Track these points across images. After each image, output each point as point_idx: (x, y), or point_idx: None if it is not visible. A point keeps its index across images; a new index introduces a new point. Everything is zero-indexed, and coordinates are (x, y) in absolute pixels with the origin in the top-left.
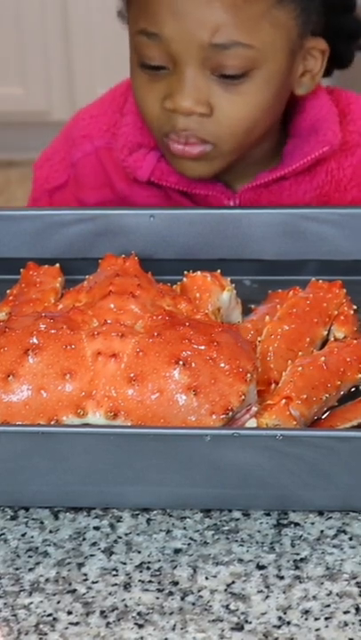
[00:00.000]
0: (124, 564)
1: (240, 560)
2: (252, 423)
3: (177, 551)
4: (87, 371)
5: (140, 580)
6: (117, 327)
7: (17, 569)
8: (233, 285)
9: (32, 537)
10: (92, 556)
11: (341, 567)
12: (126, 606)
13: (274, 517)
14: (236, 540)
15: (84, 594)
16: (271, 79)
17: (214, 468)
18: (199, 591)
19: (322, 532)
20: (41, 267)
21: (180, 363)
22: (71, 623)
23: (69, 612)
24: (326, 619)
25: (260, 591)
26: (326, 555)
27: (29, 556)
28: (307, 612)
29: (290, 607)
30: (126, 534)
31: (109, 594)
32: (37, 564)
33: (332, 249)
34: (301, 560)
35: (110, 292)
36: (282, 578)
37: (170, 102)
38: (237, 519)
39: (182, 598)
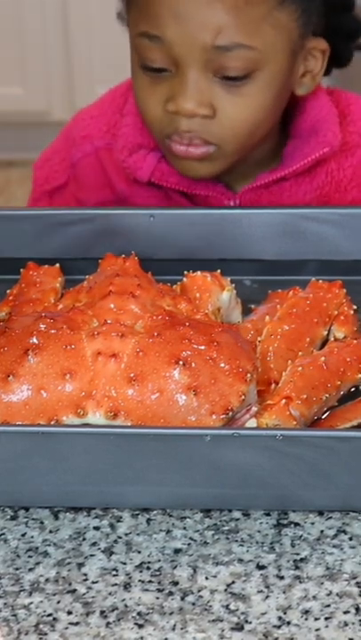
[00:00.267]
0: (124, 563)
1: (240, 560)
2: (252, 423)
3: (177, 551)
4: (87, 371)
5: (140, 580)
6: (117, 327)
7: (17, 569)
8: (233, 285)
9: (32, 537)
10: (92, 555)
11: (341, 567)
12: (126, 606)
13: (274, 517)
14: (236, 540)
15: (84, 594)
16: (273, 80)
17: (214, 468)
18: (199, 591)
19: (322, 532)
20: (41, 267)
21: (180, 363)
22: (71, 623)
23: (69, 612)
24: (326, 619)
25: (260, 591)
26: (326, 555)
27: (29, 556)
28: (307, 612)
29: (290, 607)
30: (126, 534)
31: (109, 594)
32: (37, 564)
33: (332, 249)
34: (301, 560)
35: (110, 292)
36: (282, 578)
37: (172, 105)
38: (237, 519)
39: (182, 598)
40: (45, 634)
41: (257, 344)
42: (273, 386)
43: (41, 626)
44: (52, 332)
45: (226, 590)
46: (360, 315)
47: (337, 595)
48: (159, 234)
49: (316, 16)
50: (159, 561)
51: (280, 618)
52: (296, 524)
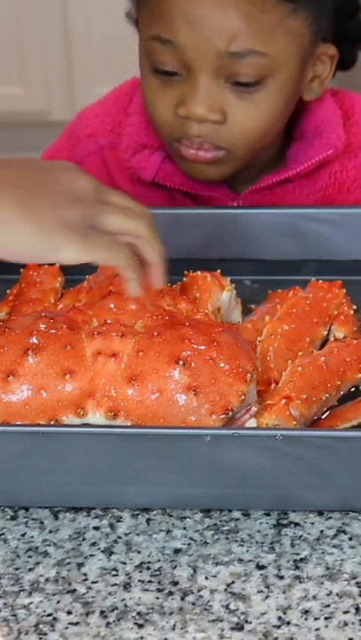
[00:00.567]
0: (124, 563)
1: (240, 560)
2: (252, 423)
3: (177, 551)
4: (87, 371)
5: (139, 580)
6: (117, 327)
7: (17, 569)
8: (233, 285)
9: (32, 537)
10: (91, 555)
11: (341, 567)
12: (126, 606)
13: (274, 517)
14: (236, 540)
15: (83, 594)
16: (284, 87)
17: (214, 468)
18: (199, 591)
19: (322, 532)
20: (41, 266)
21: (180, 363)
22: (71, 623)
23: (69, 612)
24: (326, 619)
25: (260, 591)
26: (326, 555)
27: (29, 556)
28: (307, 611)
29: (290, 607)
30: (126, 534)
31: (109, 594)
32: (37, 564)
33: (332, 249)
34: (301, 560)
35: (110, 292)
36: (282, 578)
37: (183, 109)
38: (237, 519)
39: (182, 598)
40: (45, 634)
41: (257, 344)
42: (273, 386)
43: (41, 626)
44: (52, 331)
45: (226, 590)
46: (360, 315)
47: (337, 595)
48: (159, 234)
49: (326, 23)
50: (159, 561)
51: (280, 618)
52: (296, 524)
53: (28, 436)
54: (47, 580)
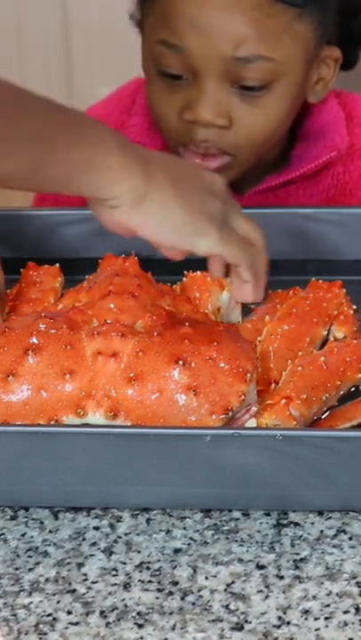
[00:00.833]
0: (124, 563)
1: (240, 560)
2: (252, 423)
3: (177, 551)
4: (87, 370)
5: (139, 580)
6: (117, 327)
7: (17, 569)
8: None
9: (32, 537)
10: (91, 555)
11: (341, 567)
12: (126, 606)
13: (274, 517)
14: (236, 540)
15: (83, 594)
16: (290, 91)
17: (214, 468)
18: (199, 591)
19: (322, 531)
20: (41, 266)
21: (180, 363)
22: (71, 623)
23: (69, 612)
24: (326, 618)
25: (260, 591)
26: (326, 555)
27: (29, 556)
28: (307, 611)
29: (290, 607)
30: (126, 534)
31: (109, 594)
32: (37, 563)
33: (332, 249)
34: (301, 560)
35: (110, 292)
36: (282, 578)
37: (189, 114)
38: (237, 519)
39: (182, 598)
40: (45, 634)
41: (257, 344)
42: (273, 386)
43: (41, 626)
44: (52, 331)
45: (226, 590)
46: (360, 315)
47: (337, 595)
48: None
49: (331, 26)
50: (159, 561)
51: (280, 618)
52: (296, 524)
53: (28, 436)
54: (47, 580)
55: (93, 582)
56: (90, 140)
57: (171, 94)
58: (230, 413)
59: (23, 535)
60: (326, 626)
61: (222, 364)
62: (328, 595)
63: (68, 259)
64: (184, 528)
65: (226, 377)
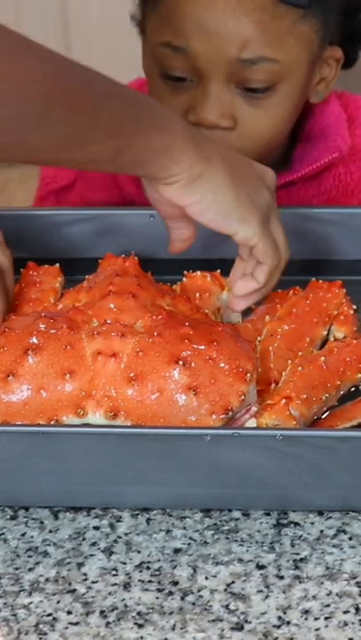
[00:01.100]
0: (124, 563)
1: (240, 560)
2: (252, 423)
3: (177, 551)
4: (87, 370)
5: (139, 580)
6: (117, 327)
7: (17, 569)
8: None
9: (32, 537)
10: (91, 555)
11: (341, 567)
12: (126, 606)
13: (274, 517)
14: (236, 540)
15: (83, 594)
16: (293, 92)
17: (214, 468)
18: (199, 591)
19: (322, 531)
20: (41, 266)
21: (180, 362)
22: (71, 623)
23: (69, 612)
24: (326, 618)
25: (260, 591)
26: (326, 554)
27: (29, 556)
28: (307, 611)
29: (290, 607)
30: (126, 534)
31: (109, 594)
32: (37, 563)
33: (333, 249)
34: (301, 560)
35: (110, 292)
36: (282, 578)
37: (194, 115)
38: (237, 519)
39: (182, 598)
40: (45, 634)
41: (257, 344)
42: (273, 386)
43: (41, 626)
44: (52, 331)
45: (226, 590)
46: (360, 315)
47: (337, 595)
48: (159, 234)
49: (334, 27)
50: (159, 561)
51: (280, 618)
52: (296, 524)
53: (28, 436)
54: (47, 579)
55: (93, 582)
56: (165, 125)
57: (174, 96)
58: (230, 413)
59: (23, 535)
60: (326, 626)
61: (222, 364)
62: (328, 595)
63: (67, 259)
64: (184, 528)
65: (226, 377)
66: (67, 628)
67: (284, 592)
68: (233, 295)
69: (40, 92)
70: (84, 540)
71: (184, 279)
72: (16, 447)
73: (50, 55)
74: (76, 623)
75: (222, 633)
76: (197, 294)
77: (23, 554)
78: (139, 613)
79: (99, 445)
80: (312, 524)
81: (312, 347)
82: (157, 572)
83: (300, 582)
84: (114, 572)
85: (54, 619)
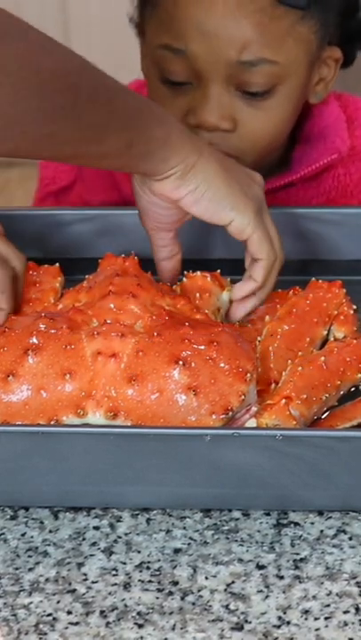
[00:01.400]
0: (124, 563)
1: (240, 560)
2: (252, 423)
3: (177, 551)
4: (87, 371)
5: (139, 580)
6: (117, 327)
7: (17, 569)
8: (233, 285)
9: (32, 537)
10: (91, 555)
11: (341, 567)
12: (126, 606)
13: (274, 517)
14: (236, 540)
15: (83, 594)
16: (293, 93)
17: (214, 468)
18: (199, 591)
19: (322, 531)
20: (40, 266)
21: (180, 363)
22: (71, 623)
23: (69, 612)
24: (326, 618)
25: (260, 591)
26: (326, 554)
27: (29, 556)
28: (307, 611)
29: (290, 607)
30: (126, 534)
31: (109, 594)
32: (37, 563)
33: (333, 249)
34: (301, 560)
35: (110, 292)
36: (282, 578)
37: (193, 118)
38: (237, 519)
39: (182, 598)
40: (45, 634)
41: (257, 344)
42: (273, 386)
43: (41, 626)
44: (52, 331)
45: (226, 590)
46: (360, 315)
47: (337, 595)
48: None
49: (332, 27)
50: (159, 561)
51: (280, 618)
52: (296, 524)
53: (28, 436)
54: (47, 579)
55: (93, 582)
56: (162, 117)
57: (174, 99)
58: (230, 413)
59: (23, 535)
60: (326, 626)
61: (222, 364)
62: (328, 595)
63: (67, 259)
64: (184, 528)
65: (226, 377)
66: (67, 627)
67: (284, 592)
68: (233, 301)
69: (69, 84)
70: (84, 539)
71: (184, 279)
72: (16, 447)
73: (68, 49)
74: (76, 623)
75: (222, 633)
76: (197, 294)
77: (23, 554)
78: (139, 613)
79: (99, 445)
80: (312, 524)
81: (312, 347)
82: (157, 572)
83: (300, 582)
84: (114, 572)
85: (54, 619)
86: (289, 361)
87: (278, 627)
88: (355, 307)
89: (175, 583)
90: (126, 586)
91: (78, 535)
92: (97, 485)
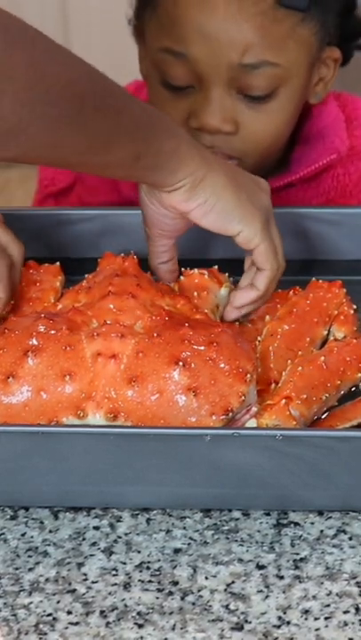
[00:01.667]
0: (124, 563)
1: (240, 560)
2: (252, 423)
3: (177, 551)
4: (87, 372)
5: (139, 580)
6: (117, 328)
7: (17, 569)
8: (231, 280)
9: (32, 537)
10: (91, 555)
11: (341, 567)
12: (126, 606)
13: (274, 517)
14: (236, 540)
15: (83, 594)
16: (294, 95)
17: (214, 468)
18: (199, 591)
19: (322, 531)
20: (41, 265)
21: (180, 363)
22: (71, 623)
23: (69, 612)
24: (326, 618)
25: (260, 591)
26: (326, 554)
27: (29, 556)
28: (307, 611)
29: (290, 607)
30: (126, 534)
31: (109, 594)
32: (37, 563)
33: (333, 249)
34: (301, 560)
35: (110, 293)
36: (282, 578)
37: (195, 121)
38: (237, 519)
39: (182, 598)
40: (45, 634)
41: (257, 344)
42: (273, 386)
43: (41, 626)
44: (52, 333)
45: (226, 590)
46: (360, 314)
47: (337, 594)
48: None
49: (332, 28)
50: (159, 561)
51: (280, 618)
52: (296, 524)
53: (28, 436)
54: (47, 579)
55: (93, 582)
56: (171, 130)
57: (175, 102)
58: (230, 414)
59: (23, 535)
60: (326, 626)
61: (222, 365)
62: (328, 595)
63: (67, 258)
64: (184, 528)
65: (226, 377)
66: (67, 627)
67: (284, 592)
68: (230, 305)
69: (75, 92)
70: (84, 539)
71: (181, 277)
72: (16, 447)
73: (76, 57)
74: (76, 623)
75: (222, 633)
76: (195, 293)
77: (23, 554)
78: (139, 613)
79: (99, 445)
80: (312, 524)
81: (312, 347)
82: (157, 572)
83: (300, 582)
84: (114, 572)
85: (54, 619)
86: (289, 361)
87: (278, 627)
88: (355, 307)
89: (175, 583)
90: (126, 586)
91: (78, 535)
92: (97, 485)
